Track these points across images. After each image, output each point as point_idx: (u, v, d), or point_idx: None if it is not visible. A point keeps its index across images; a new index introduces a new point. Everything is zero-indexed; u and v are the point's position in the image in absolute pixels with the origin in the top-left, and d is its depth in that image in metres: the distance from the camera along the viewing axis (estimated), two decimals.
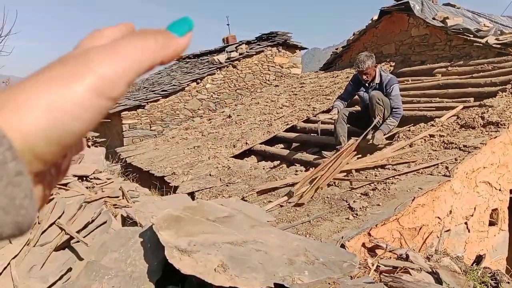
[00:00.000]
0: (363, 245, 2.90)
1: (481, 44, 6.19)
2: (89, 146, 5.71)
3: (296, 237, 2.75)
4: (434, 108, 5.02)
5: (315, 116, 6.58)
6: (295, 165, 4.96)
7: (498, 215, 3.73)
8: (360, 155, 4.33)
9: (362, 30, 8.77)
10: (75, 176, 4.10)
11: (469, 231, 3.50)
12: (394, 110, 4.53)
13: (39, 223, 3.03)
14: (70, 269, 2.78)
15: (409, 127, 4.56)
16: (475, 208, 3.53)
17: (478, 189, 3.54)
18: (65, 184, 3.79)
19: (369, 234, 2.91)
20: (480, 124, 3.93)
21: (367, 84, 4.72)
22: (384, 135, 4.44)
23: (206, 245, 2.43)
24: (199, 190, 4.58)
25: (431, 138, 4.09)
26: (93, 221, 3.10)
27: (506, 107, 4.04)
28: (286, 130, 6.41)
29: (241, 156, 6.01)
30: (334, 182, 3.74)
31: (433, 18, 7.07)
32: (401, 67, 7.26)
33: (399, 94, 4.66)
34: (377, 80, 4.65)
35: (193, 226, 2.67)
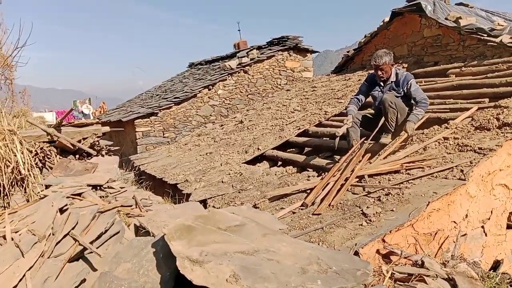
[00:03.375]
0: (377, 251, 2.85)
1: (495, 44, 6.09)
2: (103, 155, 5.75)
3: (308, 245, 2.71)
4: (448, 110, 4.94)
5: (327, 120, 6.54)
6: (308, 170, 4.92)
7: None
8: (373, 158, 4.28)
9: (374, 32, 8.70)
10: (89, 185, 4.13)
11: (486, 235, 3.42)
12: (420, 101, 4.45)
13: (53, 234, 3.06)
14: (84, 280, 2.78)
15: (422, 129, 4.49)
16: (491, 212, 3.45)
17: (495, 192, 3.47)
18: (79, 194, 3.82)
19: (383, 241, 2.86)
20: (495, 126, 3.85)
21: (382, 83, 4.66)
22: (414, 124, 4.35)
23: (217, 255, 2.41)
24: (211, 198, 4.58)
25: (445, 140, 4.02)
26: (106, 231, 3.10)
27: None
28: (298, 135, 6.38)
29: (253, 162, 5.99)
30: (347, 188, 3.69)
31: (446, 18, 6.97)
32: (414, 68, 7.17)
33: (419, 87, 4.60)
34: (392, 79, 4.60)
35: (204, 236, 2.66)
